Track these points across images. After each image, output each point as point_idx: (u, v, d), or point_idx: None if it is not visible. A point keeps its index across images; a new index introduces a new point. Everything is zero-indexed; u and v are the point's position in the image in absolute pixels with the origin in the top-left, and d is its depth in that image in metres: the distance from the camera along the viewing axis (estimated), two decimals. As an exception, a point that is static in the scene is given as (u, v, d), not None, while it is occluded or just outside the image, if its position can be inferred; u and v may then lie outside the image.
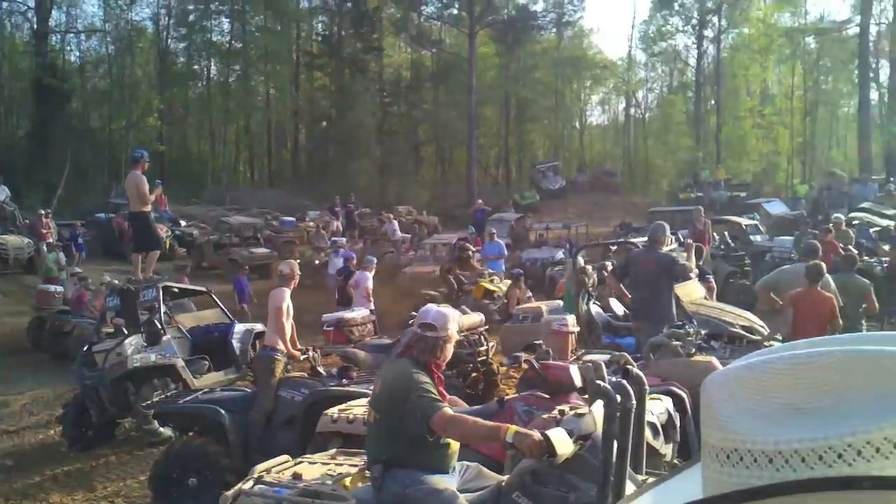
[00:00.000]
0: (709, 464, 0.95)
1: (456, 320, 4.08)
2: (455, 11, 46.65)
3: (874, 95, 40.11)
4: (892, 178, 29.53)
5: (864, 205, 22.80)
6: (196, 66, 48.48)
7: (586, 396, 4.74)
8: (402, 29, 47.67)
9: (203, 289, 12.83)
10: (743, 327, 9.58)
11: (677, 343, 7.10)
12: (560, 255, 21.51)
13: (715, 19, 44.67)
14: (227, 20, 47.13)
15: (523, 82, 46.96)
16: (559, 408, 4.08)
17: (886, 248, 16.70)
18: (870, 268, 14.33)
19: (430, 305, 4.14)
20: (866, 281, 10.25)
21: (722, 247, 19.12)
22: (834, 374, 0.91)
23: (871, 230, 18.87)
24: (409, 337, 4.10)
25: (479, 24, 42.82)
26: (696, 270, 10.81)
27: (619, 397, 3.14)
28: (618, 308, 10.76)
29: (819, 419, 0.88)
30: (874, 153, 36.95)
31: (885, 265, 14.82)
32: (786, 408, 0.91)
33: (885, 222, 19.90)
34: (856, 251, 14.13)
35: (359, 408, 6.00)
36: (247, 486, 4.39)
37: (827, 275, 8.64)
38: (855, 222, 19.21)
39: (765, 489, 0.84)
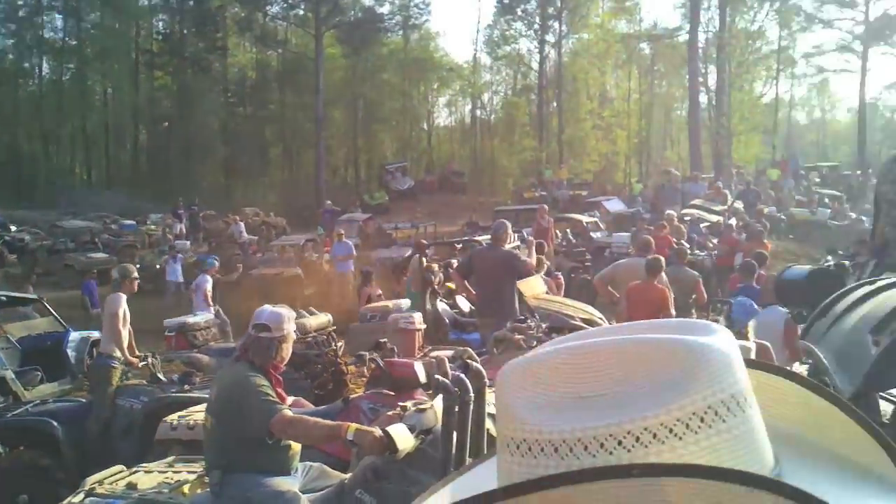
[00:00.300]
0: (502, 454, 0.96)
1: (292, 319, 4.02)
2: (301, 12, 46.16)
3: (703, 99, 42.48)
4: (719, 176, 31.38)
5: (695, 202, 24.06)
6: (27, 64, 45.99)
7: (430, 392, 4.78)
8: (246, 28, 46.71)
9: (34, 296, 12.17)
10: (583, 320, 9.86)
11: (520, 337, 7.25)
12: (408, 254, 21.64)
13: (556, 25, 46.04)
14: (60, 16, 44.95)
15: (371, 84, 46.96)
16: (401, 404, 4.09)
17: (715, 241, 17.74)
18: (699, 261, 15.19)
19: (265, 306, 4.06)
20: (695, 273, 10.85)
21: (564, 243, 19.76)
22: (615, 361, 0.93)
23: (702, 225, 19.96)
24: (244, 339, 4.02)
25: (325, 26, 42.54)
26: (547, 265, 11.13)
27: (458, 391, 3.18)
28: (464, 305, 10.90)
29: (601, 407, 0.90)
30: (704, 153, 39.10)
31: (714, 258, 15.72)
32: (571, 397, 0.93)
33: (714, 218, 21.08)
34: (687, 245, 14.96)
35: (200, 413, 5.82)
36: (77, 499, 4.18)
37: (660, 268, 9.07)
38: (687, 218, 20.23)
39: (538, 482, 0.85)
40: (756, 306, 6.77)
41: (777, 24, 46.01)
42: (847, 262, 9.79)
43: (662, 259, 9.20)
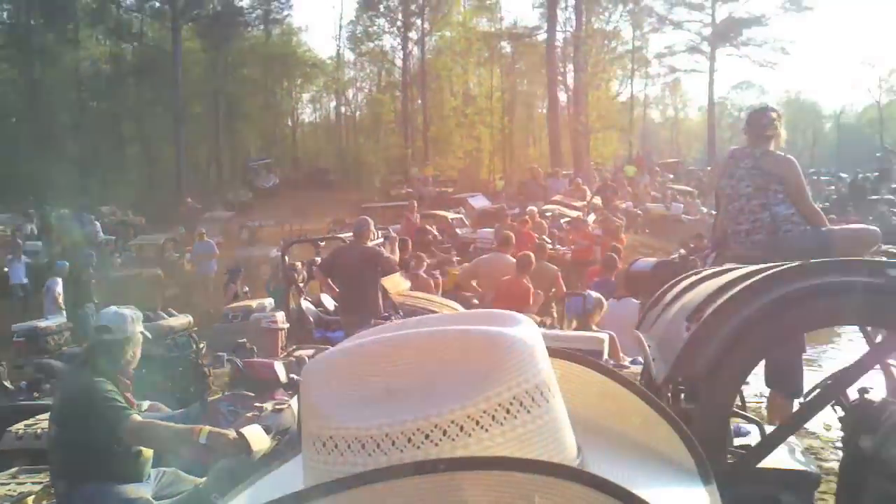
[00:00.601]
0: (307, 452, 0.94)
1: (138, 320, 3.90)
2: (157, 4, 44.67)
3: (563, 97, 43.65)
4: (578, 173, 32.36)
5: (556, 197, 24.73)
6: None
7: (292, 392, 4.76)
8: (99, 20, 44.76)
9: None
10: (446, 315, 10.03)
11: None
12: (275, 252, 21.36)
13: (419, 22, 46.28)
14: None
15: (232, 79, 45.95)
16: (258, 405, 4.06)
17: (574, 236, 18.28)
18: (560, 255, 15.63)
19: (110, 307, 3.94)
20: (555, 267, 11.18)
21: (431, 240, 19.92)
22: (424, 355, 0.93)
23: (562, 220, 20.52)
24: (88, 343, 3.89)
25: (182, 18, 41.35)
26: (427, 262, 11.18)
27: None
28: (328, 303, 10.85)
29: (410, 401, 0.89)
30: (564, 150, 40.18)
31: (572, 252, 16.22)
32: (380, 391, 0.92)
33: (574, 213, 21.71)
34: (548, 240, 15.38)
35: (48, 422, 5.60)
36: None
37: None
38: (548, 214, 20.76)
39: (341, 482, 0.84)
40: (594, 299, 7.00)
41: (630, 25, 47.84)
42: (694, 256, 10.30)
43: (532, 256, 9.42)
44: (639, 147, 46.67)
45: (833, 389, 2.85)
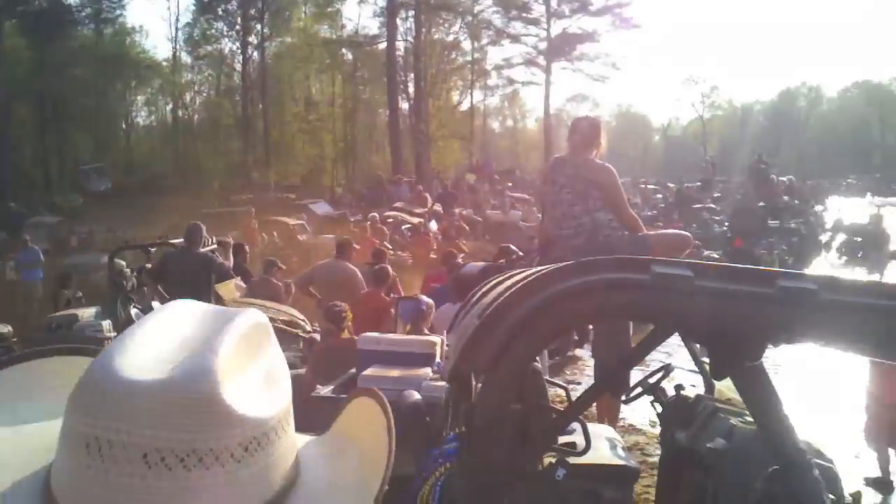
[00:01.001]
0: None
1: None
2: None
3: (405, 105, 44.08)
4: (420, 180, 32.78)
5: (398, 204, 24.96)
6: None
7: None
8: None
9: None
10: (284, 322, 9.97)
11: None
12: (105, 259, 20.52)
13: (258, 26, 45.58)
14: None
15: (60, 79, 43.72)
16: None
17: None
18: (401, 260, 15.81)
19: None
20: (393, 273, 11.31)
21: (271, 246, 19.69)
22: None
23: (404, 227, 20.75)
24: None
25: (4, 14, 39.08)
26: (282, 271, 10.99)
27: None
28: (160, 311, 10.53)
29: None
30: (406, 158, 40.60)
31: (412, 257, 16.46)
32: None
33: (415, 220, 21.98)
34: (389, 246, 15.54)
35: None
36: None
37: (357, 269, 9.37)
38: (389, 220, 20.94)
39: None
40: (426, 304, 7.16)
41: (469, 37, 48.84)
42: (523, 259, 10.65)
43: (389, 269, 9.49)
44: (479, 156, 47.68)
45: (607, 382, 3.11)
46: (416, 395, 4.14)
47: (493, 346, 1.91)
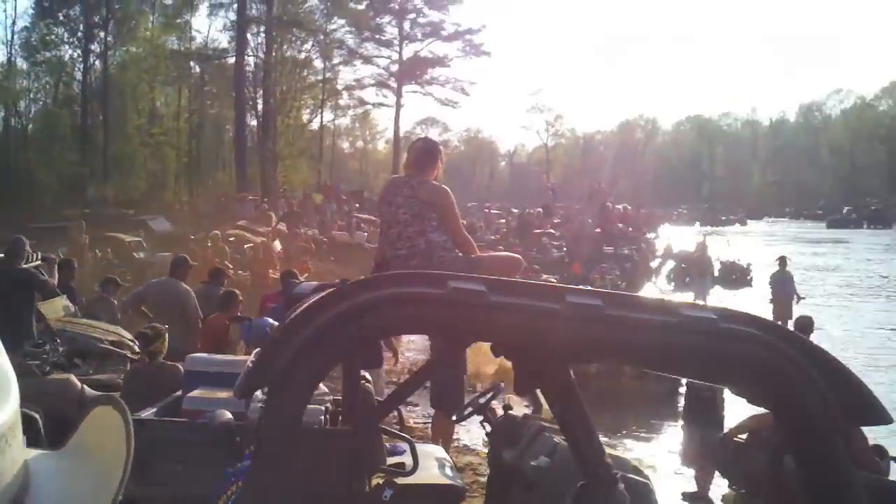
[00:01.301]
0: None
1: None
2: None
3: (254, 122, 43.32)
4: (265, 198, 32.35)
5: (241, 222, 24.57)
6: None
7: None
8: None
9: None
10: (112, 342, 9.57)
11: (34, 363, 6.84)
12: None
13: (102, 34, 43.75)
14: None
15: None
16: None
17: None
18: (241, 280, 15.56)
19: None
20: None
21: (103, 263, 18.93)
22: None
23: (245, 246, 20.42)
24: None
25: None
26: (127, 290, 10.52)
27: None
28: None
29: None
30: (253, 175, 39.87)
31: (252, 277, 16.23)
32: None
33: (258, 239, 21.68)
34: (230, 265, 15.26)
35: None
36: None
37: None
38: (231, 238, 20.56)
39: None
40: (270, 325, 7.10)
41: (321, 56, 48.63)
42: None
43: (238, 293, 9.30)
44: (327, 176, 47.45)
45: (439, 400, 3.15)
46: (228, 415, 4.09)
47: (280, 363, 1.91)
